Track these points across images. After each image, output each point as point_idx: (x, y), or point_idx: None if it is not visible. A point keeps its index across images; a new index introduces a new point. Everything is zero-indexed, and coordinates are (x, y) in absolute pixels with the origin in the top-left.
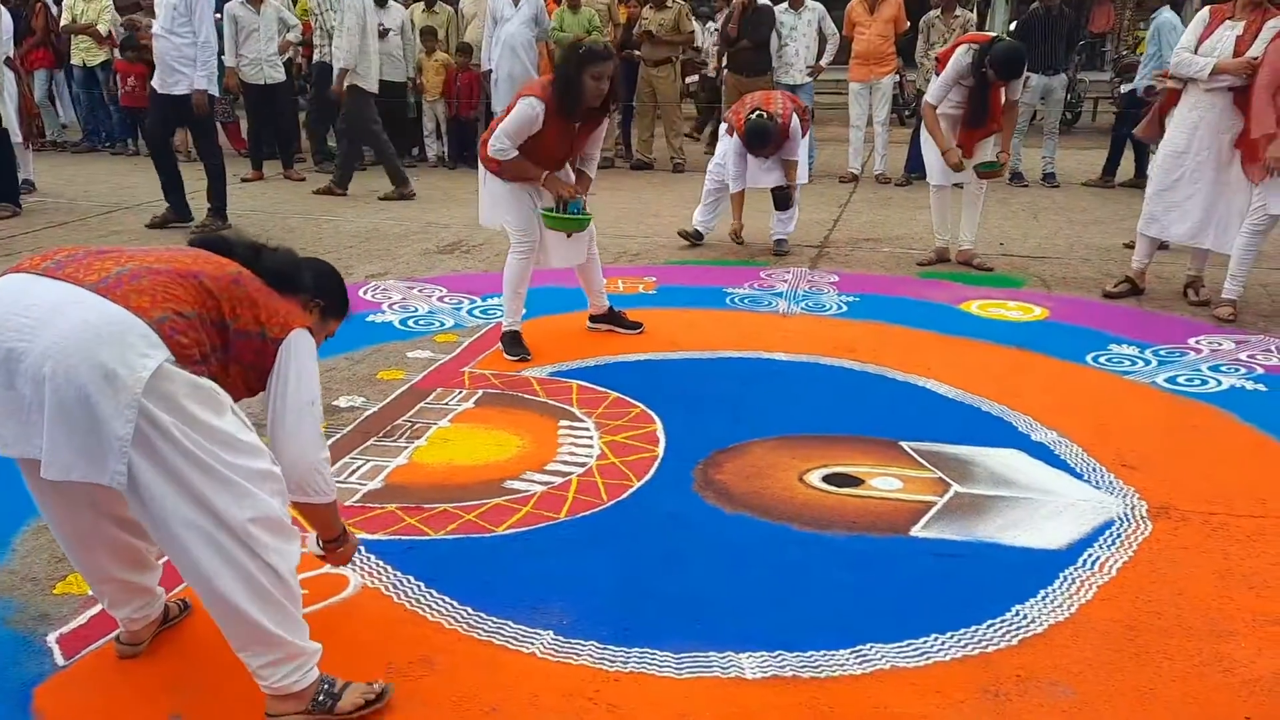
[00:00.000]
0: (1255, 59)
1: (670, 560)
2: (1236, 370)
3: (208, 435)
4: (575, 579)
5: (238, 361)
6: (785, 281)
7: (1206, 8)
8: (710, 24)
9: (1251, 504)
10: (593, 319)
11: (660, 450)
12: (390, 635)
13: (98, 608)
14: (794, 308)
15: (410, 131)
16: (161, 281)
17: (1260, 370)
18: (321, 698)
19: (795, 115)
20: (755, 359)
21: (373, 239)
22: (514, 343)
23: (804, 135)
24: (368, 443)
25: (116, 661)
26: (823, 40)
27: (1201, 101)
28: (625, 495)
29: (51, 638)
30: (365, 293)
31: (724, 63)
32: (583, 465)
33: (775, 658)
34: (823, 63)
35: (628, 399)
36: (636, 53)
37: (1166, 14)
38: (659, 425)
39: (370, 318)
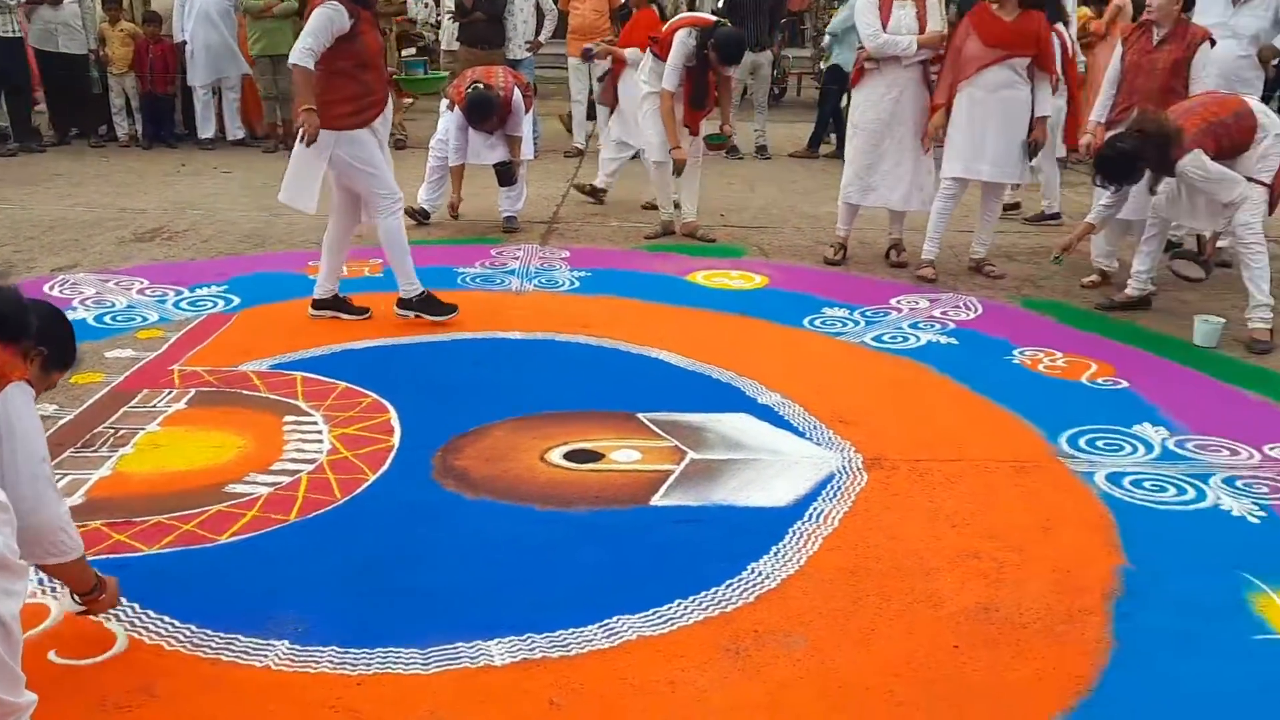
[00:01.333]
0: (942, 32)
1: (411, 553)
2: (932, 326)
3: None
4: (310, 583)
5: None
6: (517, 259)
7: None
8: None
9: (951, 449)
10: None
11: (395, 440)
12: (103, 666)
13: None
14: (527, 285)
15: (96, 108)
16: None
17: (953, 325)
18: None
19: (517, 90)
20: (490, 339)
21: (58, 228)
22: (433, 302)
23: (527, 111)
24: (63, 455)
25: None
26: (540, 15)
27: (901, 77)
28: (360, 490)
29: None
30: (51, 288)
31: (455, 35)
32: (312, 462)
33: (524, 641)
34: (541, 38)
35: (358, 389)
36: None
37: None
38: (393, 414)
39: None
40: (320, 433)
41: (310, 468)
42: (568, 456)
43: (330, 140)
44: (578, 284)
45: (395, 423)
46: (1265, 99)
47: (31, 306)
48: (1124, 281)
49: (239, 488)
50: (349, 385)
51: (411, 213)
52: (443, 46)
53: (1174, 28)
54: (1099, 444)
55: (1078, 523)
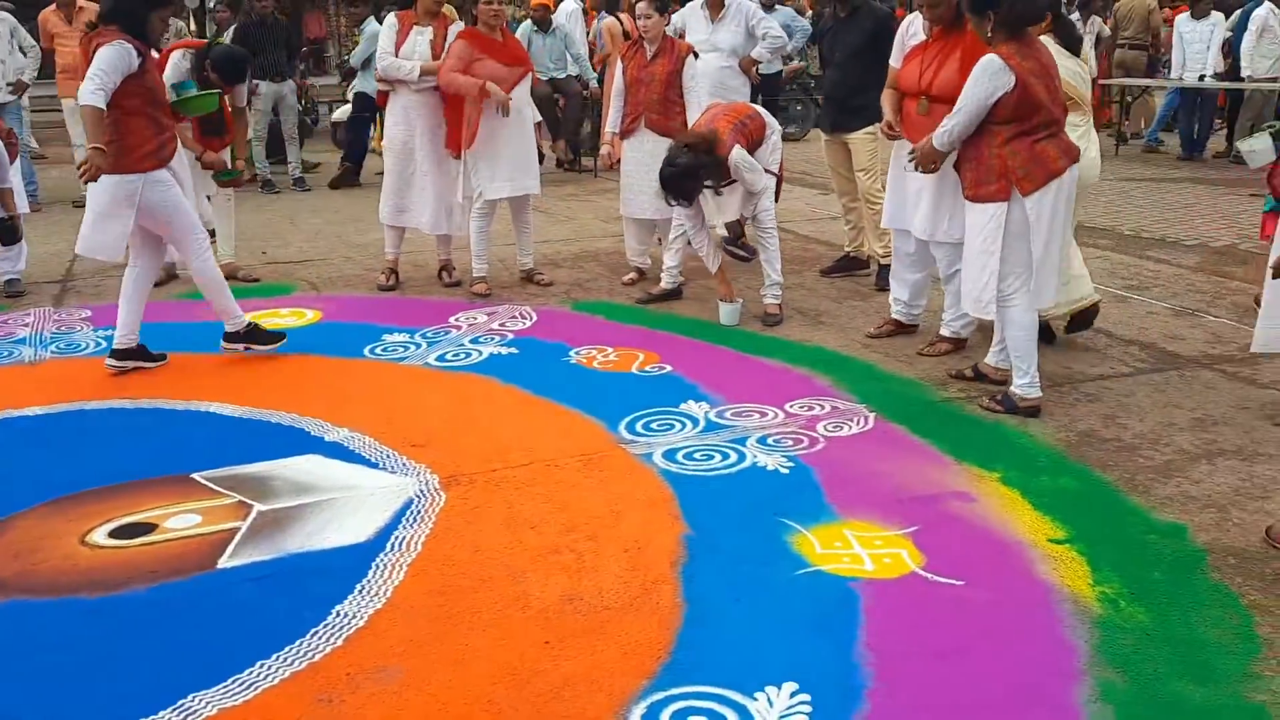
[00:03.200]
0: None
1: None
2: (493, 339)
3: None
4: None
5: None
6: (26, 325)
7: (393, 14)
8: None
9: (522, 454)
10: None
11: None
12: None
13: None
14: (43, 353)
15: None
16: None
17: (511, 335)
18: None
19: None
20: (2, 420)
21: None
22: (260, 332)
23: (12, 161)
24: None
25: None
26: (23, 54)
27: (413, 100)
28: None
29: None
30: None
31: None
32: None
33: None
34: (26, 78)
35: None
36: None
37: (373, 24)
38: None
39: None
40: None
41: None
42: (114, 534)
43: (138, 184)
44: (104, 344)
45: None
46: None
47: None
48: (657, 276)
49: None
50: None
51: None
52: None
53: (663, 43)
54: (653, 425)
55: (643, 502)
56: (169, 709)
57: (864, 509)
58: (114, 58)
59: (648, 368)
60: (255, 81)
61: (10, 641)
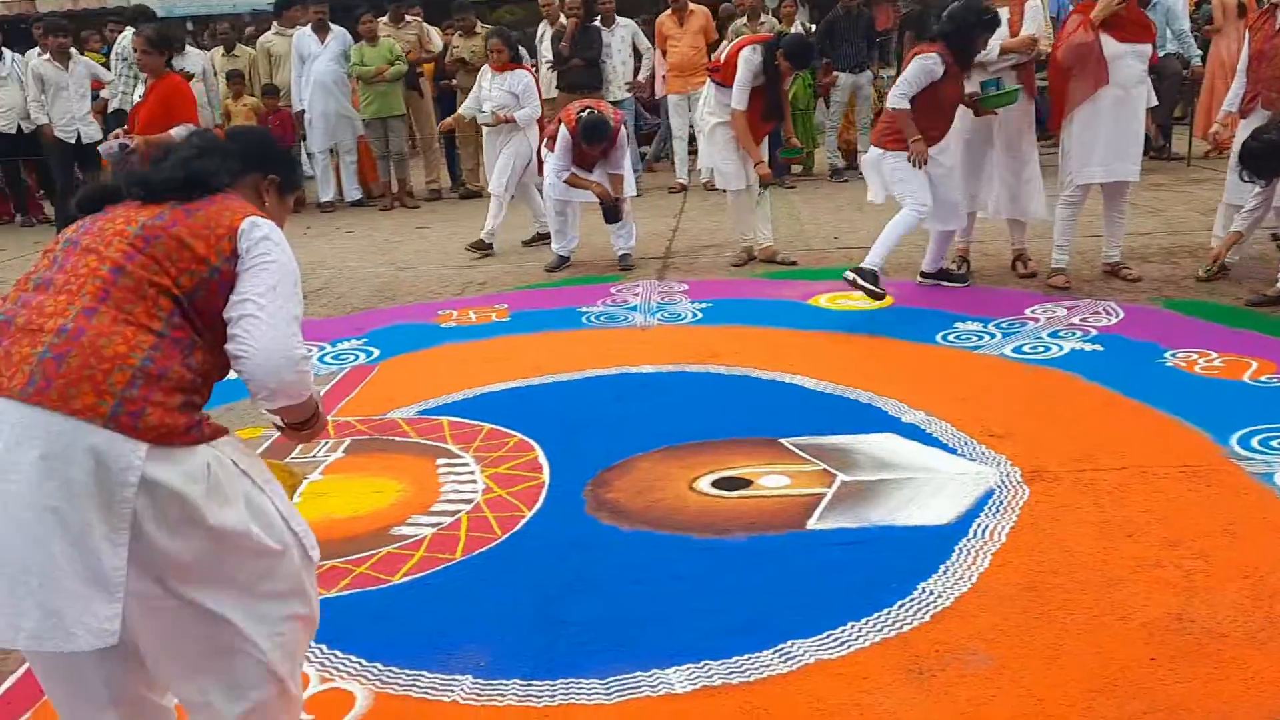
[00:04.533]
0: (1034, 35)
1: (577, 585)
2: (1073, 334)
3: (220, 545)
4: (484, 617)
5: (210, 327)
6: (637, 295)
7: None
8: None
9: (1113, 457)
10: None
11: (545, 477)
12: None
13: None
14: (650, 320)
15: None
16: (104, 328)
17: (1094, 331)
18: None
19: (622, 125)
20: (622, 374)
21: None
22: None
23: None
24: None
25: None
26: (638, 56)
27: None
28: (519, 526)
29: None
30: None
31: (554, 83)
32: (469, 502)
33: (702, 668)
34: (640, 78)
35: (503, 429)
36: (453, 82)
37: None
38: (539, 452)
39: None
40: (473, 473)
41: (468, 507)
42: (716, 484)
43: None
44: (701, 315)
45: (543, 460)
46: None
47: (234, 138)
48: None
49: (404, 530)
50: (494, 426)
51: (552, 268)
52: (543, 95)
53: None
54: (1274, 444)
55: (1263, 525)
56: (771, 649)
57: None
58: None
59: (1264, 378)
60: (835, 73)
61: (635, 563)
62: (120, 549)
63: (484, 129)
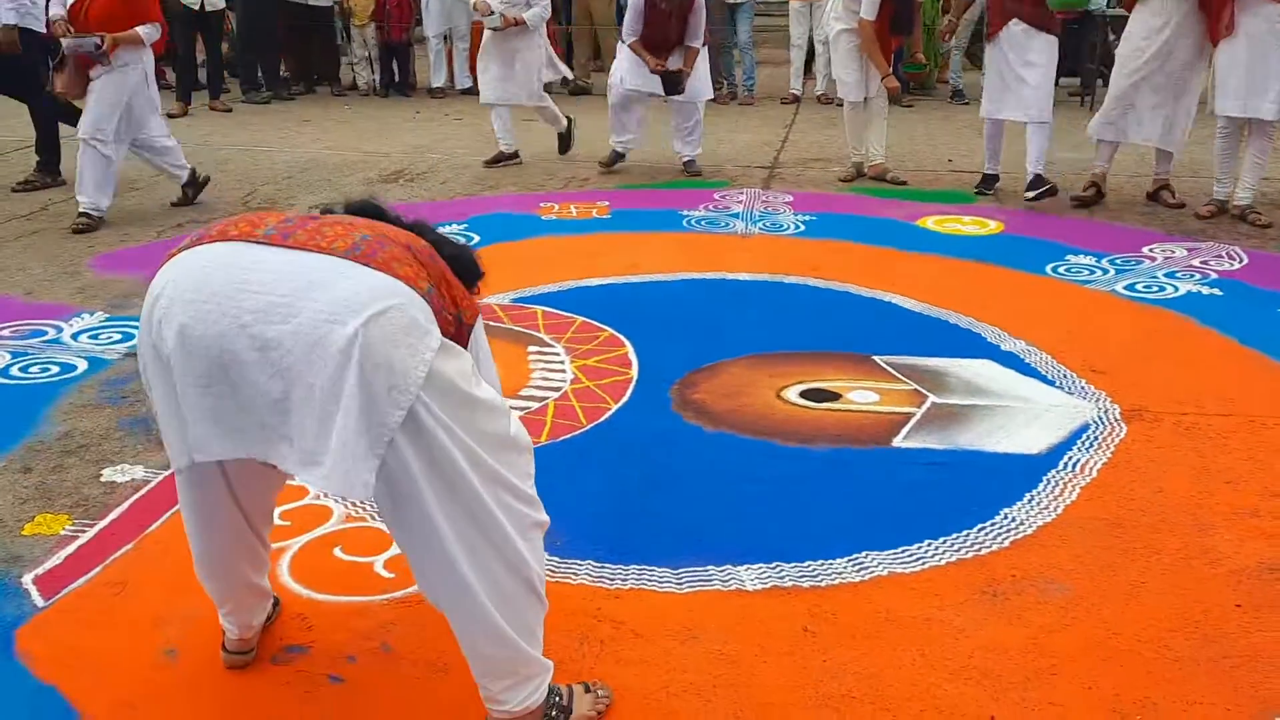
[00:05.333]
0: None
1: (657, 479)
2: (1191, 276)
3: (483, 426)
4: (564, 500)
5: None
6: (740, 203)
7: None
8: None
9: (1220, 404)
10: None
11: (634, 372)
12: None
13: (72, 548)
14: (752, 228)
15: (333, 58)
16: (401, 252)
17: (1214, 275)
18: (555, 713)
19: None
20: (719, 280)
21: (311, 170)
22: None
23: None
24: None
25: (100, 601)
26: None
27: (1168, 4)
28: (604, 418)
29: (27, 579)
30: None
31: None
32: (557, 390)
33: (774, 569)
34: None
35: (594, 323)
36: None
37: None
38: (629, 348)
39: None
40: (562, 363)
41: (556, 395)
42: (804, 395)
43: None
44: (803, 228)
45: (632, 356)
46: None
47: (468, 250)
48: None
49: None
50: (586, 320)
51: (605, 163)
52: None
53: None
54: None
55: None
56: (845, 558)
57: None
58: None
59: None
60: None
61: (716, 463)
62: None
63: (486, 32)
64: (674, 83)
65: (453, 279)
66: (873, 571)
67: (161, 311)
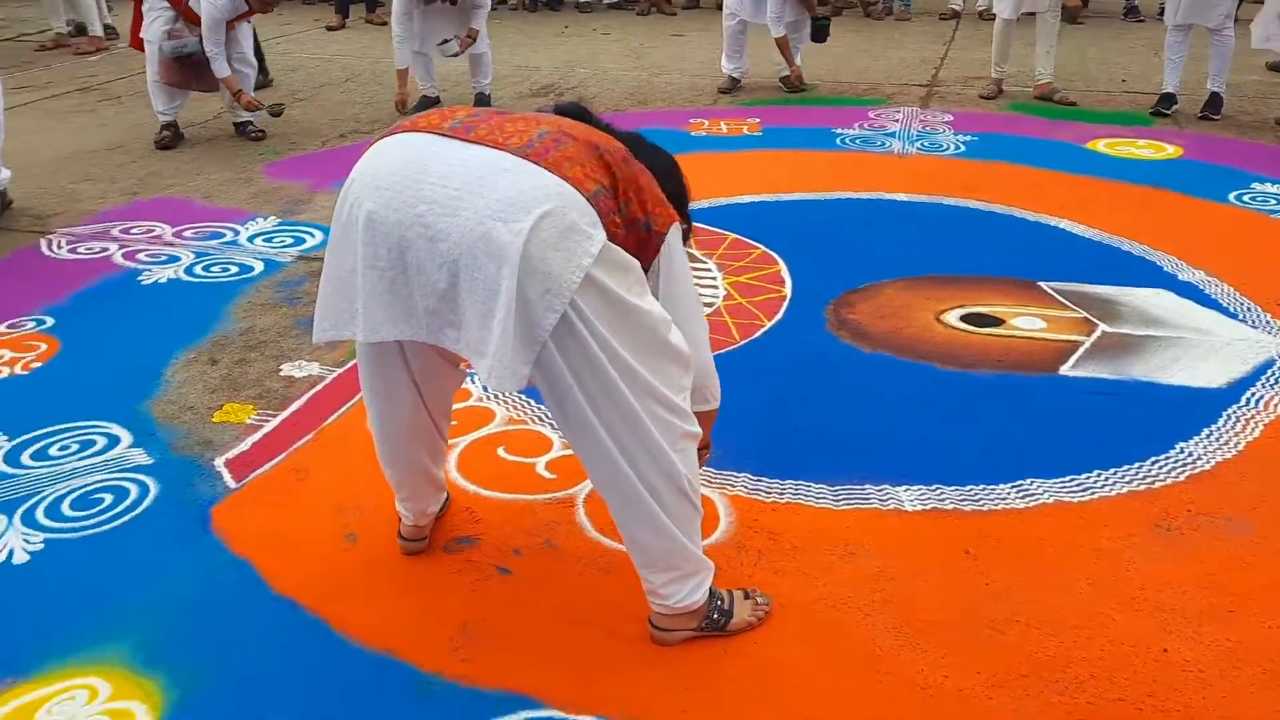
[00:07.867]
0: None
1: (812, 397)
2: None
3: (638, 335)
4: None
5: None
6: (897, 121)
7: None
8: None
9: None
10: None
11: (788, 291)
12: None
13: (258, 435)
14: (909, 148)
15: None
16: (580, 151)
17: None
18: (716, 615)
19: None
20: (874, 199)
21: (462, 83)
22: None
23: None
24: None
25: (284, 486)
26: None
27: None
28: (757, 334)
29: (219, 462)
30: None
31: None
32: (710, 306)
33: (934, 491)
34: None
35: (747, 240)
36: None
37: None
38: (783, 266)
39: None
40: (715, 279)
41: (708, 311)
42: (965, 319)
43: None
44: (963, 148)
45: (785, 274)
46: None
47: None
48: None
49: None
50: (738, 236)
51: (724, 90)
52: None
53: None
54: None
55: None
56: (1009, 484)
57: None
58: None
59: None
60: None
61: (874, 384)
62: None
63: None
64: (822, 32)
65: (645, 184)
66: (1038, 499)
67: (354, 196)
